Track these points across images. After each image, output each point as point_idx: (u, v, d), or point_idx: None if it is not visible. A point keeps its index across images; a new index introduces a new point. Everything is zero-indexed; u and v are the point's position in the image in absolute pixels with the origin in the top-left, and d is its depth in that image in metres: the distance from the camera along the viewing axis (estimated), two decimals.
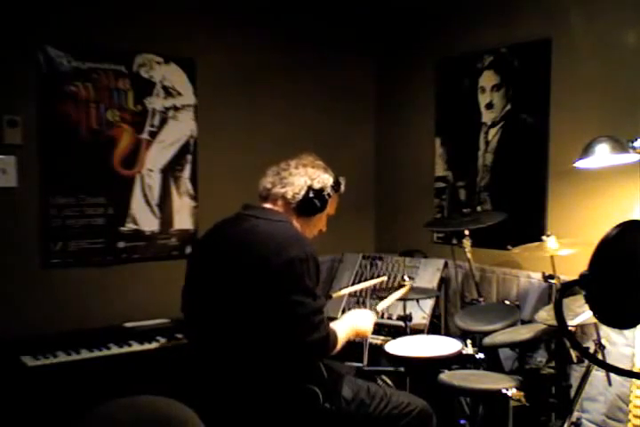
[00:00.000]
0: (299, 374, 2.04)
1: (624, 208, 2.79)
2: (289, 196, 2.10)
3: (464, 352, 2.65)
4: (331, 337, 2.00)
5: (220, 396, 2.03)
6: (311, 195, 2.11)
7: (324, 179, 2.15)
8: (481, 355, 2.65)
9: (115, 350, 2.80)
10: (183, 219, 3.40)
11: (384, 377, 2.84)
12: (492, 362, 2.74)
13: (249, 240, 1.98)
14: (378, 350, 2.90)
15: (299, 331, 1.91)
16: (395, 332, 3.21)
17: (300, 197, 2.10)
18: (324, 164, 2.21)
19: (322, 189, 2.13)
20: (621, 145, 2.46)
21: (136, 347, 2.86)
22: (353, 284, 3.58)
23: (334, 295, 2.76)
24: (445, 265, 3.52)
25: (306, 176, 2.12)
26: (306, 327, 1.91)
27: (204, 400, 2.02)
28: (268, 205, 2.13)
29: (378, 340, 3.19)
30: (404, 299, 2.93)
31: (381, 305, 2.50)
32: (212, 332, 2.06)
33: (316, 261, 1.98)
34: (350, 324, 2.21)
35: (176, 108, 3.35)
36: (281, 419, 1.99)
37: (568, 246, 2.63)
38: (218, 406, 2.03)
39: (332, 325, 2.08)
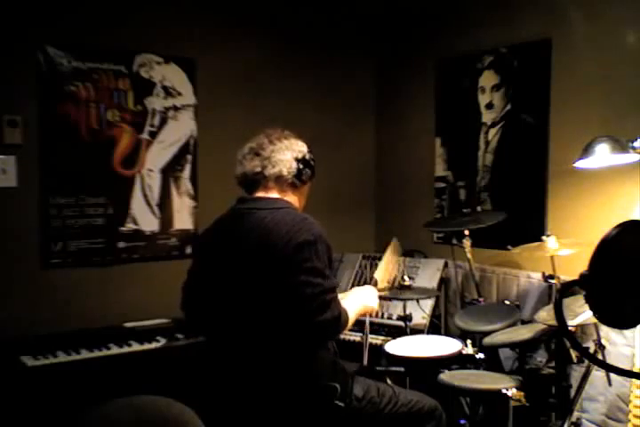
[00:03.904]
0: (314, 369, 2.04)
1: (624, 208, 2.79)
2: (284, 173, 2.09)
3: (464, 352, 2.65)
4: (343, 316, 1.98)
5: (234, 391, 2.04)
6: (301, 166, 2.11)
7: (300, 146, 2.15)
8: (481, 355, 2.65)
9: (115, 350, 2.80)
10: (183, 219, 3.40)
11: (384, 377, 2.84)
12: (491, 362, 2.74)
13: (259, 235, 1.97)
14: (378, 350, 2.90)
15: (310, 311, 1.90)
16: (395, 332, 3.21)
17: (293, 171, 2.09)
18: (288, 131, 2.18)
19: (305, 157, 2.13)
20: (621, 145, 2.45)
21: (136, 347, 2.85)
22: (353, 284, 3.58)
23: None
24: (445, 265, 3.52)
25: (287, 150, 2.10)
26: (317, 307, 1.89)
27: (216, 397, 2.03)
28: (261, 194, 2.11)
29: (378, 340, 3.19)
30: (404, 299, 2.94)
31: (377, 273, 2.50)
32: (225, 329, 2.07)
33: (326, 242, 1.97)
34: (358, 301, 2.20)
35: (176, 108, 3.36)
36: (294, 414, 1.99)
37: (568, 246, 2.63)
38: (229, 401, 2.04)
39: (341, 302, 2.07)
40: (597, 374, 2.72)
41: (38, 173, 2.98)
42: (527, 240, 2.82)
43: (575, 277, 1.26)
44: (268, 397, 1.98)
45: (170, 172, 3.35)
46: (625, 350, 2.75)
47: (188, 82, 3.39)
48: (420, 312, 3.23)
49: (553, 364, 2.66)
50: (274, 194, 2.11)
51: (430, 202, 3.77)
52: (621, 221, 1.26)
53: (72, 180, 3.06)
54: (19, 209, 2.95)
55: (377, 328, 3.29)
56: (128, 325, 3.10)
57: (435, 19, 3.73)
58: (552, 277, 2.71)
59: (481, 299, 3.14)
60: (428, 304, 3.33)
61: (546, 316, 2.44)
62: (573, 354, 2.52)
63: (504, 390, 2.36)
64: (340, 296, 2.17)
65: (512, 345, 2.72)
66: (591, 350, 2.51)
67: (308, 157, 2.14)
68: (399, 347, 2.73)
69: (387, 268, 2.64)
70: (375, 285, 2.42)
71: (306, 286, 1.90)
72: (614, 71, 2.85)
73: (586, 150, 2.52)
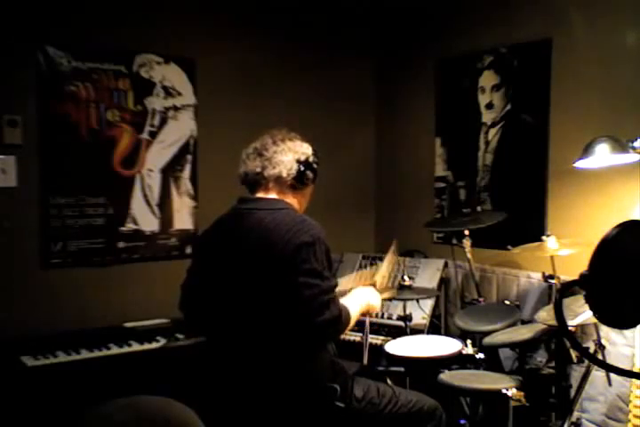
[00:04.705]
0: (314, 370, 2.04)
1: (624, 208, 2.79)
2: (284, 175, 2.09)
3: (464, 352, 2.65)
4: (343, 315, 1.98)
5: (234, 391, 2.04)
6: (302, 168, 2.11)
7: (305, 149, 2.15)
8: (481, 355, 2.65)
9: (115, 350, 2.80)
10: (183, 219, 3.40)
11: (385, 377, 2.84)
12: (491, 362, 2.74)
13: (258, 235, 1.98)
14: (378, 350, 2.90)
15: (309, 312, 1.89)
16: (395, 332, 3.21)
17: (293, 173, 2.10)
18: (294, 133, 2.19)
19: (308, 159, 2.14)
20: (621, 145, 2.46)
21: (136, 347, 2.85)
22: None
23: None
24: (445, 265, 3.52)
25: (290, 151, 2.11)
26: (316, 308, 1.89)
27: (216, 397, 2.04)
28: (261, 195, 2.12)
29: (378, 340, 3.19)
30: (403, 299, 2.93)
31: (377, 276, 2.50)
32: (224, 329, 2.08)
33: (324, 244, 1.97)
34: (360, 299, 2.20)
35: (176, 108, 3.35)
36: (294, 415, 1.99)
37: (568, 246, 2.63)
38: (229, 401, 2.05)
39: (343, 301, 2.06)
40: (597, 374, 2.72)
41: (38, 173, 2.98)
42: (527, 240, 2.82)
43: (575, 277, 1.26)
44: (268, 397, 1.99)
45: (170, 172, 3.35)
46: (625, 350, 2.75)
47: (188, 82, 3.39)
48: (420, 312, 3.23)
49: (553, 364, 2.66)
50: (273, 195, 2.11)
51: (430, 202, 3.77)
52: (621, 221, 1.26)
53: (72, 180, 3.06)
54: (19, 209, 2.95)
55: (377, 328, 3.29)
56: (128, 325, 3.10)
57: (435, 19, 3.73)
58: (552, 277, 2.71)
59: (481, 299, 3.14)
60: (428, 304, 3.33)
61: (546, 316, 2.44)
62: (573, 354, 2.52)
63: (504, 390, 2.36)
64: (341, 283, 2.16)
65: (512, 345, 2.72)
66: (591, 350, 2.52)
67: (311, 159, 2.14)
68: (399, 347, 2.73)
69: (387, 270, 2.63)
70: (374, 286, 2.42)
71: (304, 288, 1.90)
72: (614, 71, 2.85)
73: (586, 150, 2.52)
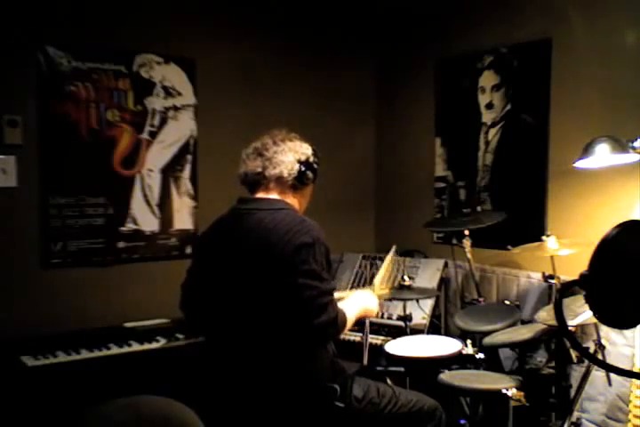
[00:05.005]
0: (314, 370, 2.04)
1: (624, 208, 2.79)
2: (285, 175, 2.09)
3: (464, 352, 2.65)
4: (340, 318, 1.98)
5: (234, 391, 2.04)
6: (303, 168, 2.11)
7: (304, 149, 2.15)
8: (481, 355, 2.65)
9: (115, 350, 2.80)
10: (183, 219, 3.40)
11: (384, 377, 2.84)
12: (491, 362, 2.74)
13: (258, 235, 1.98)
14: (378, 350, 2.90)
15: (307, 313, 1.90)
16: (395, 332, 3.21)
17: (294, 173, 2.10)
18: (294, 133, 2.20)
19: (308, 159, 2.14)
20: (621, 145, 2.46)
21: (136, 347, 2.85)
22: (353, 284, 3.58)
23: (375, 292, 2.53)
24: (445, 265, 3.52)
25: (290, 151, 2.11)
26: (314, 309, 1.90)
27: (216, 397, 2.04)
28: (261, 195, 2.12)
29: (378, 340, 3.19)
30: (404, 299, 2.93)
31: (376, 279, 2.49)
32: (224, 329, 2.08)
33: (324, 245, 1.98)
34: (358, 303, 2.21)
35: (176, 108, 3.35)
36: (294, 415, 1.99)
37: (568, 246, 2.63)
38: (229, 401, 2.05)
39: (340, 305, 2.07)
40: (597, 374, 2.72)
41: (38, 173, 2.98)
42: (527, 240, 2.82)
43: (575, 277, 1.26)
44: (268, 397, 1.99)
45: (170, 172, 3.35)
46: (625, 350, 2.75)
47: (188, 82, 3.39)
48: (420, 312, 3.23)
49: (553, 364, 2.66)
50: (274, 195, 2.11)
51: (430, 202, 3.77)
52: (621, 221, 1.26)
53: (72, 180, 3.06)
54: (19, 209, 2.95)
55: (377, 328, 3.29)
56: (128, 325, 3.10)
57: (435, 19, 3.73)
58: (552, 277, 2.71)
59: (481, 299, 3.14)
60: (428, 304, 3.33)
61: (546, 316, 2.44)
62: (573, 354, 2.52)
63: (504, 390, 2.36)
64: (339, 295, 2.17)
65: (512, 345, 2.72)
66: (591, 350, 2.52)
67: (311, 159, 2.15)
68: (399, 347, 2.73)
69: (386, 273, 2.63)
70: (372, 289, 2.42)
71: (303, 289, 1.90)
72: (614, 71, 2.85)
73: (586, 150, 2.52)
